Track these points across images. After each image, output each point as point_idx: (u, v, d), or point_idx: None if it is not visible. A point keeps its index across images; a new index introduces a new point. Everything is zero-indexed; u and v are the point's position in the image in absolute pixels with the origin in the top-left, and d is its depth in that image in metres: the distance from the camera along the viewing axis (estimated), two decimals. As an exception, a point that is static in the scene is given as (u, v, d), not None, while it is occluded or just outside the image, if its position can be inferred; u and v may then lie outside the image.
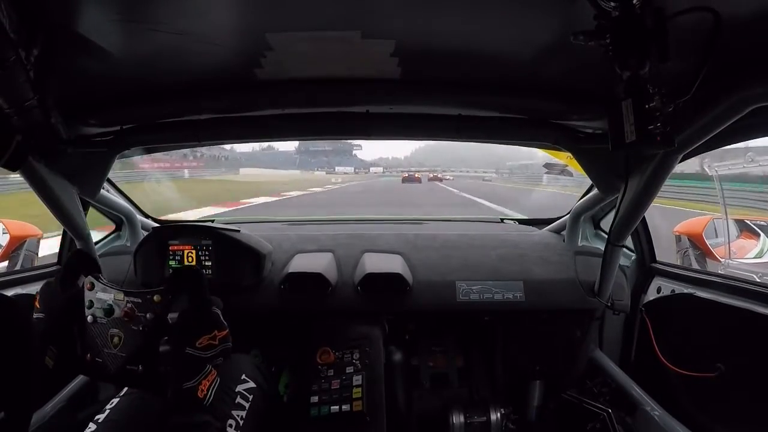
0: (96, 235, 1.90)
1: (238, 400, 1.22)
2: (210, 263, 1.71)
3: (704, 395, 1.42)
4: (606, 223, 1.96)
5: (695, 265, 3.47)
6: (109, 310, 1.14)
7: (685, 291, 1.53)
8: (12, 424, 0.86)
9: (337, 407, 1.40)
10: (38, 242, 2.99)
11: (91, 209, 1.78)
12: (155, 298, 1.12)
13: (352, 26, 0.93)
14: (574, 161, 1.50)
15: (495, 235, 1.98)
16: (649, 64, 0.82)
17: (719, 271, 3.16)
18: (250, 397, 1.25)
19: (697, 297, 1.47)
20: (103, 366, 1.12)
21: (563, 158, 2.18)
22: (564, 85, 1.21)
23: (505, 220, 2.36)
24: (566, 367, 1.83)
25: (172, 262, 1.72)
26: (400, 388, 1.75)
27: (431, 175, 30.16)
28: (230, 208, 13.63)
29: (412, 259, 1.82)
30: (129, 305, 1.13)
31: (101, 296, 1.16)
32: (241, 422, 1.17)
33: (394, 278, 1.70)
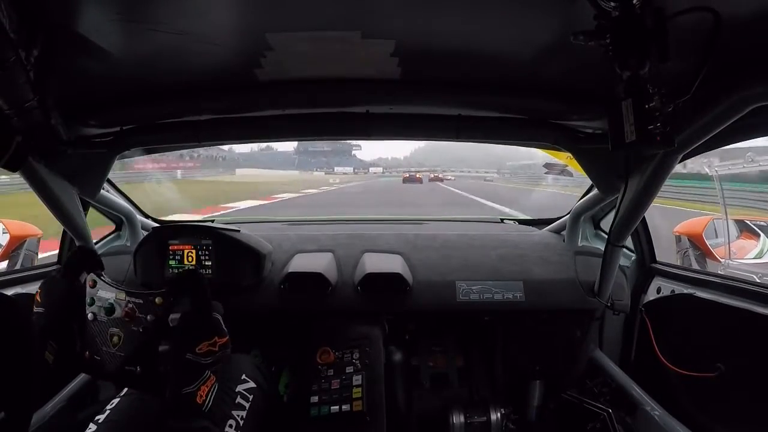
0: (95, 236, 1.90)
1: (238, 400, 1.22)
2: (210, 263, 1.71)
3: (704, 395, 1.42)
4: (606, 223, 1.96)
5: (695, 266, 3.47)
6: (109, 309, 1.14)
7: (685, 291, 1.53)
8: (12, 424, 0.86)
9: (337, 407, 1.40)
10: (38, 242, 2.99)
11: (91, 209, 1.78)
12: (157, 300, 1.12)
13: (352, 26, 0.93)
14: (574, 161, 1.50)
15: (495, 235, 1.98)
16: (649, 64, 0.82)
17: (719, 272, 3.16)
18: (250, 397, 1.25)
19: (697, 297, 1.47)
20: (102, 364, 1.13)
21: (563, 158, 2.18)
22: (564, 85, 1.21)
23: (505, 220, 2.36)
24: (566, 367, 1.83)
25: (172, 262, 1.72)
26: (400, 388, 1.75)
27: (432, 176, 29.89)
28: (206, 216, 12.43)
29: (412, 259, 1.82)
30: (130, 305, 1.13)
31: (102, 294, 1.16)
32: (241, 422, 1.17)
33: (394, 278, 1.70)
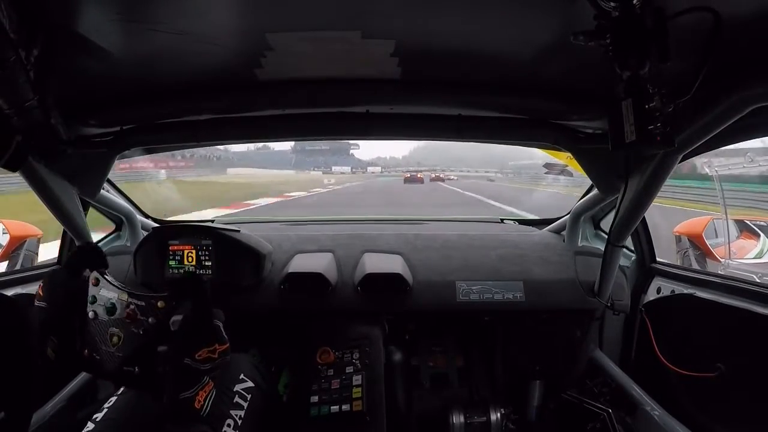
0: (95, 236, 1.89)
1: (237, 399, 1.22)
2: (210, 263, 1.71)
3: (704, 395, 1.42)
4: (606, 223, 1.96)
5: (695, 266, 3.47)
6: (111, 309, 1.14)
7: (685, 291, 1.53)
8: (12, 424, 0.87)
9: (337, 407, 1.40)
10: (38, 242, 2.99)
11: (91, 209, 1.78)
12: (159, 303, 1.12)
13: (352, 26, 0.93)
14: (574, 161, 1.50)
15: (495, 236, 1.98)
16: (649, 64, 0.82)
17: (719, 272, 3.16)
18: (249, 397, 1.25)
19: (697, 297, 1.47)
20: (100, 363, 1.13)
21: (563, 158, 2.18)
22: (564, 85, 1.21)
23: (505, 221, 2.36)
24: (566, 367, 1.83)
25: (172, 262, 1.72)
26: (400, 388, 1.75)
27: (433, 175, 29.37)
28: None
29: (412, 259, 1.82)
30: (132, 307, 1.13)
31: (105, 294, 1.16)
32: (240, 422, 1.17)
33: (394, 278, 1.70)
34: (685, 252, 3.64)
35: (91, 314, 1.15)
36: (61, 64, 1.02)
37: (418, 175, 27.85)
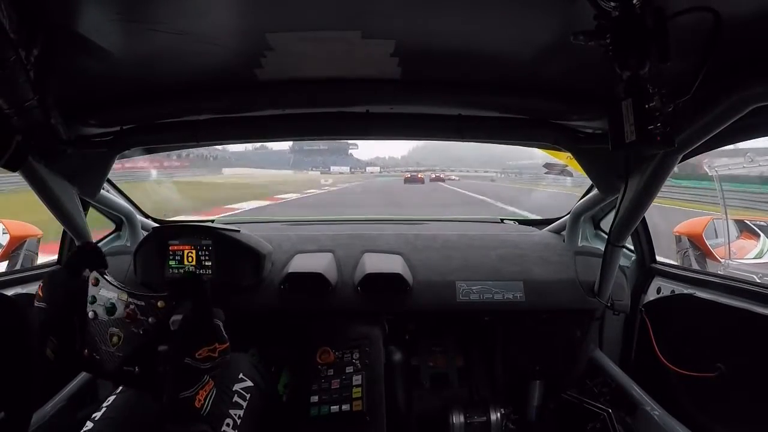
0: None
1: (236, 399, 1.22)
2: (210, 263, 1.71)
3: (704, 395, 1.42)
4: (606, 224, 1.96)
5: (695, 266, 3.47)
6: (111, 309, 1.14)
7: (685, 291, 1.53)
8: (12, 424, 0.87)
9: (337, 407, 1.40)
10: (38, 242, 2.99)
11: (91, 209, 1.78)
12: (159, 303, 1.12)
13: (352, 26, 0.93)
14: (574, 161, 1.50)
15: (495, 236, 1.98)
16: (649, 64, 0.82)
17: (719, 272, 3.16)
18: (248, 396, 1.25)
19: (697, 297, 1.47)
20: (100, 363, 1.13)
21: (563, 158, 2.18)
22: (564, 85, 1.21)
23: (505, 221, 2.36)
24: (566, 367, 1.83)
25: (172, 262, 1.72)
26: (400, 388, 1.75)
27: (433, 176, 29.08)
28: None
29: (412, 260, 1.82)
30: (132, 307, 1.13)
31: (104, 294, 1.16)
32: (239, 421, 1.17)
33: (394, 278, 1.70)
34: (685, 252, 3.64)
35: (90, 314, 1.15)
36: (61, 64, 1.02)
37: (419, 176, 27.41)
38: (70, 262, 1.25)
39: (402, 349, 1.82)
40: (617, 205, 1.40)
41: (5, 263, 2.77)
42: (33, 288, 1.55)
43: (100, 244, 1.96)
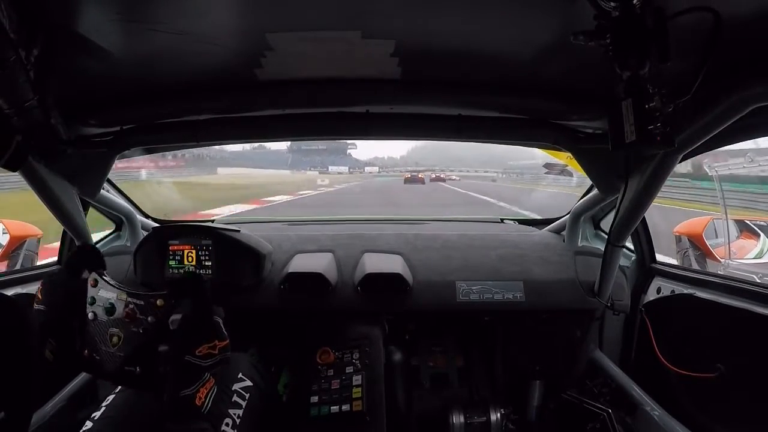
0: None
1: (235, 398, 1.22)
2: (210, 263, 1.71)
3: (704, 395, 1.42)
4: (606, 224, 1.96)
5: (695, 266, 3.47)
6: (110, 309, 1.14)
7: (685, 291, 1.53)
8: (12, 424, 0.86)
9: (337, 407, 1.40)
10: (38, 242, 2.99)
11: (91, 209, 1.78)
12: (158, 302, 1.12)
13: (352, 26, 0.93)
14: (574, 161, 1.50)
15: (495, 236, 1.98)
16: (649, 64, 0.82)
17: (719, 272, 3.16)
18: (247, 396, 1.25)
19: (697, 297, 1.47)
20: (101, 364, 1.13)
21: (563, 158, 2.18)
22: (564, 85, 1.21)
23: (505, 220, 2.36)
24: (566, 367, 1.83)
25: (172, 262, 1.72)
26: (400, 388, 1.75)
27: (433, 176, 28.78)
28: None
29: (412, 259, 1.82)
30: (131, 306, 1.13)
31: (104, 294, 1.16)
32: (238, 420, 1.17)
33: (394, 278, 1.70)
34: (685, 252, 3.64)
35: (90, 315, 1.15)
36: (61, 64, 1.02)
37: (419, 176, 27.03)
38: (69, 264, 1.25)
39: (402, 349, 1.82)
40: (617, 205, 1.40)
41: (5, 263, 2.77)
42: (33, 288, 1.55)
43: (99, 244, 1.96)
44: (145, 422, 1.12)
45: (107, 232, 2.06)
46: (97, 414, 1.14)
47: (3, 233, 2.84)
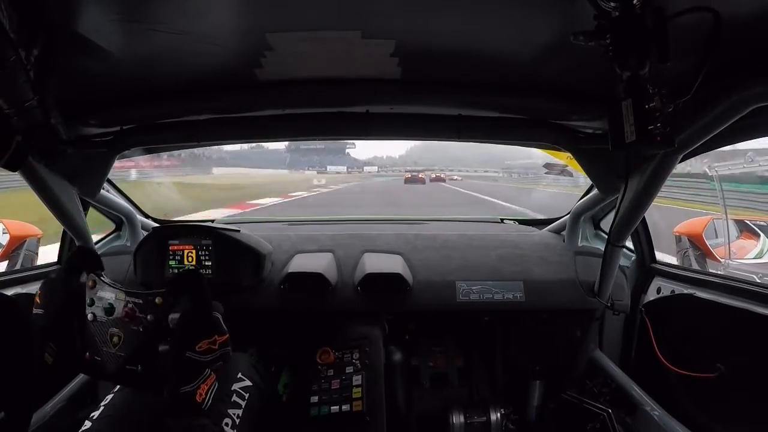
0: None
1: (234, 398, 1.22)
2: (210, 263, 1.71)
3: (704, 395, 1.42)
4: (606, 224, 1.96)
5: (695, 266, 3.47)
6: (109, 309, 1.14)
7: (685, 291, 1.52)
8: (12, 424, 0.86)
9: (337, 407, 1.40)
10: (38, 242, 2.98)
11: (91, 209, 1.78)
12: (157, 300, 1.12)
13: (352, 26, 0.93)
14: (574, 161, 1.50)
15: (495, 236, 1.98)
16: (649, 65, 0.82)
17: (719, 272, 3.16)
18: (246, 396, 1.25)
19: (697, 297, 1.47)
20: (102, 365, 1.12)
21: (563, 158, 2.18)
22: (564, 85, 1.21)
23: (505, 220, 2.36)
24: (566, 367, 1.83)
25: (172, 262, 1.72)
26: (400, 388, 1.75)
27: (434, 175, 28.47)
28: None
29: (412, 259, 1.82)
30: (130, 305, 1.13)
31: (102, 295, 1.16)
32: (237, 420, 1.17)
33: (394, 278, 1.70)
34: (685, 252, 3.64)
35: (90, 316, 1.15)
36: (61, 64, 1.02)
37: (420, 176, 26.54)
38: (67, 267, 1.25)
39: (402, 349, 1.82)
40: (617, 205, 1.40)
41: (5, 263, 2.77)
42: (33, 288, 1.55)
43: (99, 244, 1.96)
44: (143, 421, 1.12)
45: (107, 232, 2.06)
46: (95, 413, 1.14)
47: (3, 233, 2.84)
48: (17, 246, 2.84)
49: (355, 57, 1.07)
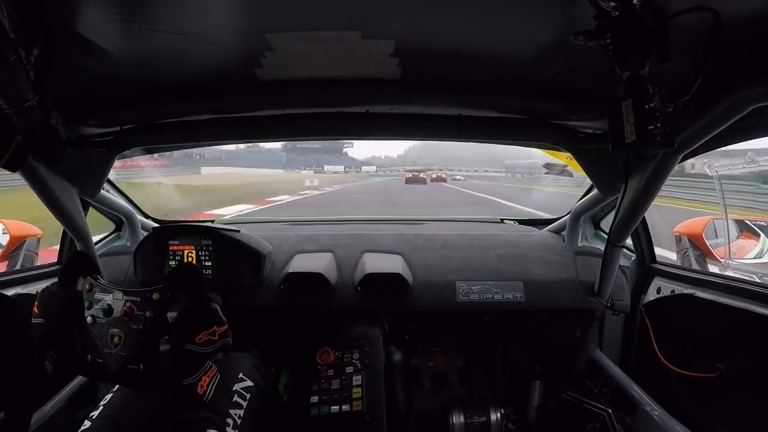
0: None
1: (236, 398, 1.22)
2: (210, 263, 1.71)
3: (704, 395, 1.42)
4: (606, 224, 1.96)
5: (695, 266, 3.47)
6: (108, 310, 1.14)
7: (685, 291, 1.52)
8: (12, 424, 0.86)
9: (337, 407, 1.40)
10: (38, 242, 2.98)
11: (91, 209, 1.78)
12: (154, 296, 1.12)
13: (352, 26, 0.93)
14: (574, 161, 1.50)
15: (495, 236, 1.98)
16: (649, 65, 0.82)
17: (719, 272, 3.15)
18: (248, 396, 1.25)
19: (697, 297, 1.47)
20: (105, 366, 1.12)
21: (563, 158, 2.18)
22: (564, 85, 1.21)
23: (504, 221, 2.36)
24: (566, 367, 1.83)
25: (172, 262, 1.72)
26: (400, 388, 1.75)
27: (434, 175, 27.99)
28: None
29: (412, 259, 1.82)
30: (128, 304, 1.13)
31: (100, 297, 1.16)
32: (239, 421, 1.17)
33: (394, 278, 1.70)
34: (685, 252, 3.64)
35: (89, 319, 1.15)
36: (61, 64, 1.02)
37: (421, 176, 26.12)
38: (63, 274, 1.25)
39: (402, 349, 1.82)
40: (617, 205, 1.40)
41: (5, 263, 2.77)
42: (33, 288, 1.55)
43: (99, 244, 1.96)
44: (143, 420, 1.12)
45: (107, 232, 2.06)
46: (95, 413, 1.14)
47: (3, 233, 2.84)
48: (17, 246, 2.84)
49: (355, 57, 1.07)
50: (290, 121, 1.41)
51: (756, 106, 0.93)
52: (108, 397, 1.20)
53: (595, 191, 1.68)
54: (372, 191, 19.48)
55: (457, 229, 2.08)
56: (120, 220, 1.99)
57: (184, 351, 1.07)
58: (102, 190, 1.67)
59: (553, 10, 0.85)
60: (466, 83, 1.24)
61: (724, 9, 0.75)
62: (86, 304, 1.16)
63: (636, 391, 1.55)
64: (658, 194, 1.32)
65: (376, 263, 1.77)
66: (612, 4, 0.75)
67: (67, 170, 1.43)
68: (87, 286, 1.18)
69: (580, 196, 1.88)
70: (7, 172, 1.15)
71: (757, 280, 2.56)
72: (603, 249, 1.57)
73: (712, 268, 3.47)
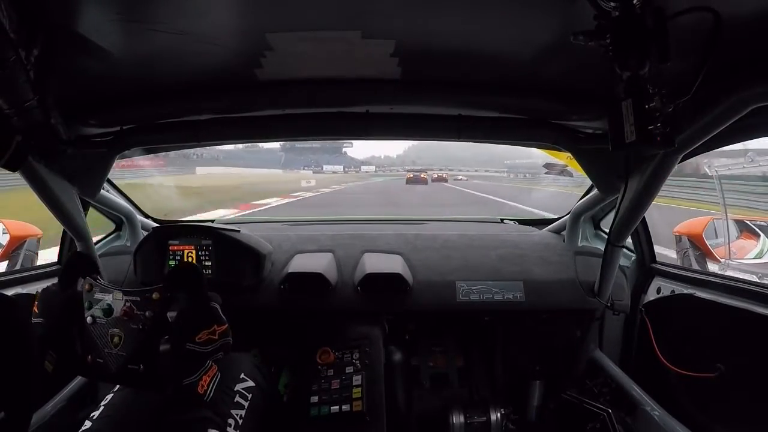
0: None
1: (237, 399, 1.22)
2: (210, 263, 1.71)
3: (704, 395, 1.42)
4: (606, 224, 1.96)
5: (695, 266, 3.47)
6: (108, 310, 1.14)
7: (685, 291, 1.52)
8: (12, 424, 0.86)
9: (337, 407, 1.40)
10: (38, 242, 2.98)
11: (91, 209, 1.78)
12: (154, 295, 1.12)
13: (352, 26, 0.93)
14: (574, 161, 1.50)
15: (495, 236, 1.98)
16: (649, 65, 0.82)
17: (719, 272, 3.15)
18: (249, 396, 1.25)
19: (697, 297, 1.47)
20: (105, 366, 1.12)
21: (563, 158, 2.18)
22: (564, 85, 1.21)
23: (504, 221, 2.36)
24: (566, 367, 1.83)
25: (172, 262, 1.72)
26: (400, 388, 1.75)
27: (435, 175, 27.71)
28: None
29: (412, 259, 1.82)
30: (128, 304, 1.13)
31: (100, 297, 1.16)
32: (240, 421, 1.17)
33: (394, 278, 1.70)
34: (685, 252, 3.64)
35: (89, 319, 1.15)
36: (61, 64, 1.02)
37: (422, 176, 25.76)
38: (62, 275, 1.25)
39: (402, 349, 1.82)
40: (617, 205, 1.40)
41: (5, 263, 2.77)
42: (33, 288, 1.55)
43: (99, 244, 1.96)
44: (143, 420, 1.12)
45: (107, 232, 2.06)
46: (95, 413, 1.14)
47: (3, 233, 2.84)
48: (17, 246, 2.84)
49: (355, 57, 1.07)
50: (290, 121, 1.41)
51: (756, 106, 0.93)
52: (108, 397, 1.20)
53: (595, 191, 1.68)
54: (373, 191, 19.29)
55: (457, 229, 2.08)
56: (120, 220, 1.99)
57: (185, 350, 1.07)
58: (102, 190, 1.67)
59: (553, 10, 0.85)
60: (466, 83, 1.24)
61: (724, 9, 0.75)
62: (86, 304, 1.16)
63: (636, 391, 1.55)
64: (658, 194, 1.32)
65: (376, 263, 1.77)
66: (612, 4, 0.75)
67: (67, 170, 1.43)
68: (87, 286, 1.18)
69: (580, 196, 1.88)
70: (8, 172, 1.15)
71: (757, 280, 2.56)
72: (603, 249, 1.57)
73: (712, 268, 3.47)
